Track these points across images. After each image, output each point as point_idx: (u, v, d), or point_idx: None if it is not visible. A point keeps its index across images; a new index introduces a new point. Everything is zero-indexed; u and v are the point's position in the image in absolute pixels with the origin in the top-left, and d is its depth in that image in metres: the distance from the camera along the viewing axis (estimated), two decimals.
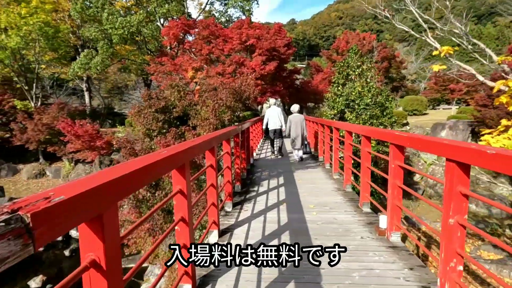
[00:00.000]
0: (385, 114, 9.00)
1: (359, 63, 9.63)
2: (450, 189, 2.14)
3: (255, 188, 6.53)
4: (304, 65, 35.19)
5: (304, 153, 9.16)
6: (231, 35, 15.20)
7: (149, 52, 21.01)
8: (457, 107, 27.40)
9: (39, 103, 21.53)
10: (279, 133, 9.51)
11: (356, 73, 9.59)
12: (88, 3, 16.96)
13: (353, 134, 7.69)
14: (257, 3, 20.48)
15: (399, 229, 3.52)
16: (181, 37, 16.28)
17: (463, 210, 2.11)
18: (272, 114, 9.01)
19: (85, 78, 26.10)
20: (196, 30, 16.09)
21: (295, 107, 8.83)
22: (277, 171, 8.31)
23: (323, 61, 34.62)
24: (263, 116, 20.92)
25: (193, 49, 15.82)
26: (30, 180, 21.38)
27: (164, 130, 5.55)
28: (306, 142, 9.21)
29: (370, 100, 8.58)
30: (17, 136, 19.03)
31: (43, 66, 22.01)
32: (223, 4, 20.72)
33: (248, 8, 18.31)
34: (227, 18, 20.83)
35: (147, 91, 5.99)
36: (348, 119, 9.16)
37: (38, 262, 10.58)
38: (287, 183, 6.91)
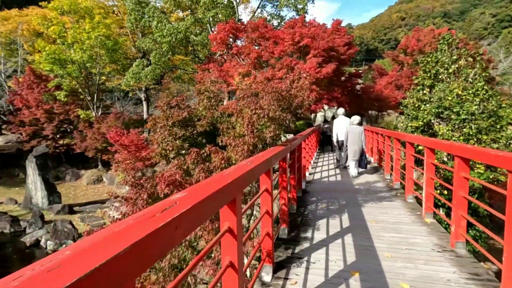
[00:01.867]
0: (498, 126, 6.23)
1: (454, 57, 6.99)
2: None
3: (308, 234, 4.58)
4: (362, 70, 31.84)
5: (361, 167, 8.64)
6: (282, 36, 13.57)
7: (198, 60, 20.61)
8: None
9: (99, 113, 22.74)
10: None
11: (450, 70, 6.98)
12: (141, 14, 17.14)
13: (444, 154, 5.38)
14: (313, 1, 18.59)
15: None
16: (229, 42, 15.24)
17: None
18: (341, 125, 9.11)
19: (143, 89, 27.10)
20: (245, 34, 14.86)
21: (355, 119, 8.47)
22: (338, 203, 6.21)
23: (386, 63, 30.77)
24: (318, 126, 18.72)
25: (241, 54, 14.59)
26: (89, 186, 22.55)
27: (183, 151, 4.09)
28: (364, 156, 8.60)
29: (476, 107, 5.95)
30: (77, 144, 20.15)
31: (103, 77, 23.27)
32: (275, 6, 19.35)
33: (302, 6, 16.56)
34: (279, 21, 19.38)
35: (166, 98, 4.67)
36: (439, 133, 6.60)
37: None
38: (354, 227, 4.80)
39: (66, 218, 14.21)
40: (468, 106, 5.99)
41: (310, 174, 9.44)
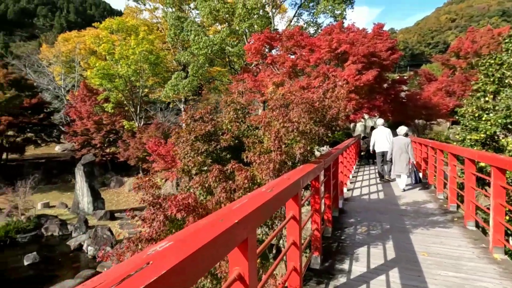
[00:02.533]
0: None
1: None
2: None
3: (344, 265, 3.97)
4: (406, 76, 29.59)
5: (410, 181, 8.20)
6: (318, 43, 13.02)
7: (234, 71, 20.83)
8: None
9: (141, 123, 24.01)
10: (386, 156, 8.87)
11: None
12: (180, 28, 17.85)
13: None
14: (352, 7, 17.80)
15: None
16: (264, 52, 15.09)
17: None
18: (380, 136, 8.88)
19: (183, 100, 28.14)
20: (280, 42, 14.59)
21: (401, 129, 8.12)
22: (380, 226, 5.45)
23: (435, 67, 28.29)
24: (358, 136, 17.59)
25: (276, 63, 14.31)
26: (130, 193, 23.71)
27: (205, 168, 3.80)
28: (414, 170, 8.18)
29: None
30: (121, 153, 21.38)
31: (146, 90, 24.60)
32: (311, 14, 18.90)
33: (340, 12, 15.87)
34: (316, 28, 18.85)
35: (189, 110, 4.46)
36: (507, 148, 5.53)
37: None
38: (401, 260, 4.06)
39: (107, 224, 14.91)
40: None
41: (348, 190, 8.66)
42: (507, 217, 5.48)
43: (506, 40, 6.61)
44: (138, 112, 24.02)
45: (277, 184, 2.38)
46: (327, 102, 3.78)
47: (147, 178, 3.69)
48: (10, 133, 24.43)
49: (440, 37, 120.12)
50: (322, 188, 5.31)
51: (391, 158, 8.28)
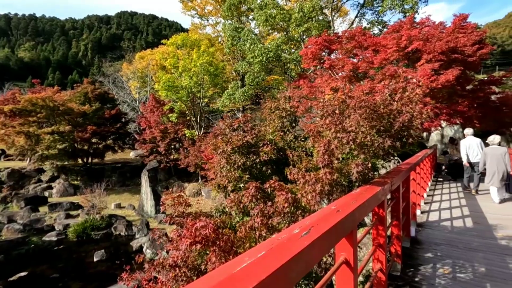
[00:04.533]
0: None
1: None
2: None
3: None
4: (497, 76, 24.73)
5: (506, 193, 7.67)
6: (384, 43, 11.56)
7: (290, 79, 20.26)
8: None
9: (201, 132, 25.09)
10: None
11: None
12: (237, 39, 18.13)
13: None
14: (426, 0, 15.63)
15: None
16: (321, 56, 14.17)
17: None
18: (472, 145, 8.72)
19: (241, 109, 28.70)
20: (339, 45, 13.51)
21: (495, 139, 7.87)
22: (472, 268, 4.15)
23: None
24: (434, 146, 15.17)
25: (334, 68, 13.26)
26: (189, 198, 24.85)
27: (242, 184, 3.26)
28: (510, 180, 7.65)
29: None
30: (181, 160, 22.55)
31: (206, 100, 25.70)
32: (375, 12, 17.23)
33: (410, 6, 13.98)
34: (381, 27, 17.10)
35: (227, 118, 3.99)
36: None
37: None
38: None
39: (165, 228, 15.60)
40: None
41: (422, 213, 7.19)
42: None
43: None
44: (198, 121, 25.20)
45: (319, 219, 1.68)
46: (396, 106, 2.88)
47: (177, 194, 3.33)
48: (94, 140, 28.09)
49: None
50: (389, 217, 4.29)
51: (484, 169, 7.86)
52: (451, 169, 12.37)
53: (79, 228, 15.77)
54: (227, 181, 3.36)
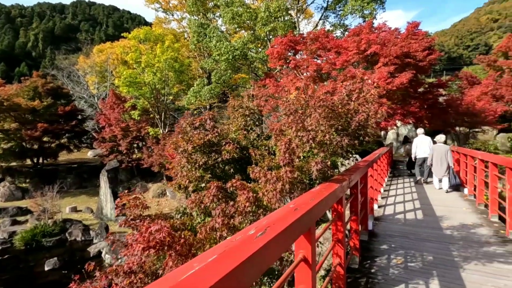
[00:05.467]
0: None
1: None
2: None
3: None
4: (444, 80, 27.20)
5: (450, 184, 8.88)
6: (345, 45, 12.09)
7: (257, 77, 20.36)
8: None
9: (166, 130, 24.24)
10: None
11: None
12: (203, 35, 17.76)
13: None
14: (383, 7, 16.61)
15: None
16: (287, 56, 14.41)
17: None
18: (423, 143, 9.92)
19: (208, 107, 28.20)
20: (304, 46, 13.84)
21: (440, 138, 9.06)
22: (421, 258, 4.46)
23: (479, 70, 25.77)
24: (389, 145, 16.22)
25: (299, 68, 13.56)
26: (154, 199, 23.89)
27: (203, 184, 3.17)
28: (454, 174, 8.89)
29: None
30: (144, 160, 21.61)
31: (171, 97, 24.89)
32: (338, 16, 17.96)
33: (369, 11, 14.79)
34: (343, 30, 17.85)
35: (188, 116, 3.88)
36: None
37: None
38: None
39: (127, 231, 14.85)
40: None
41: (379, 207, 7.62)
42: None
43: None
44: (163, 118, 24.31)
45: (277, 219, 1.67)
46: (353, 106, 2.99)
47: (133, 196, 3.15)
48: (45, 139, 25.81)
49: (480, 38, 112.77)
50: (348, 208, 4.46)
51: (431, 164, 9.10)
52: (410, 164, 13.30)
53: (27, 235, 14.39)
54: (187, 181, 3.24)
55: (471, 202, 7.65)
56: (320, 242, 5.25)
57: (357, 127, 2.99)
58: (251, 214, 2.70)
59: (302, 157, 3.08)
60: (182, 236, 2.33)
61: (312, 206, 2.10)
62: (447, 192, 8.77)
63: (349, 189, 4.20)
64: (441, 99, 16.08)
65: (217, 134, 3.48)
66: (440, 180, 8.95)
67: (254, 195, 2.68)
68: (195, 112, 33.33)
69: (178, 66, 21.41)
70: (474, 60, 25.20)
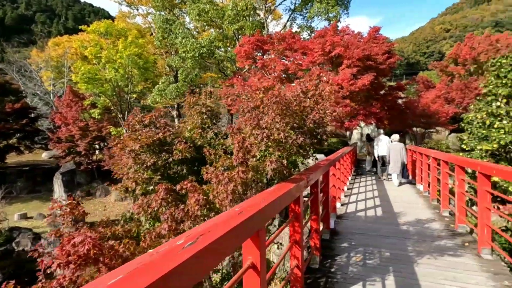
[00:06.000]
0: None
1: None
2: None
3: None
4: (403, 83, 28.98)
5: (402, 178, 10.06)
6: (311, 46, 12.29)
7: (225, 77, 20.08)
8: None
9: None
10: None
11: None
12: (168, 31, 17.11)
13: None
14: (347, 12, 17.22)
15: None
16: (255, 56, 14.35)
17: None
18: (383, 142, 10.74)
19: (175, 106, 27.29)
20: (272, 46, 13.86)
21: (395, 137, 9.95)
22: (379, 254, 4.54)
23: (433, 75, 27.77)
24: (354, 144, 16.80)
25: (267, 67, 13.55)
26: (116, 202, 22.54)
27: (151, 187, 2.92)
28: (405, 169, 10.19)
29: None
30: (106, 161, 20.34)
31: (134, 95, 23.75)
32: (305, 18, 18.30)
33: (333, 14, 15.23)
34: (310, 31, 18.23)
35: (137, 113, 3.59)
36: None
37: None
38: None
39: None
40: None
41: (342, 205, 7.75)
42: None
43: None
44: (126, 118, 23.11)
45: (216, 225, 1.49)
46: (309, 103, 2.92)
47: (68, 202, 2.80)
48: None
49: (435, 46, 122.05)
50: (309, 208, 4.40)
51: (389, 160, 10.03)
52: (373, 163, 13.87)
53: None
54: (134, 183, 2.96)
55: (425, 198, 8.06)
56: (281, 244, 5.16)
57: (313, 125, 2.91)
58: (201, 218, 2.51)
59: (259, 157, 2.94)
60: (115, 246, 2.07)
61: (261, 208, 1.96)
62: (399, 185, 9.72)
63: (310, 188, 4.17)
64: (400, 101, 17.01)
65: (169, 132, 3.22)
66: (396, 175, 9.85)
67: (205, 197, 2.49)
68: (163, 111, 32.17)
69: (143, 63, 20.45)
70: (429, 66, 27.05)
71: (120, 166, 3.39)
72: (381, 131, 11.23)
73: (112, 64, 19.82)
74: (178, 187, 2.57)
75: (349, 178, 11.50)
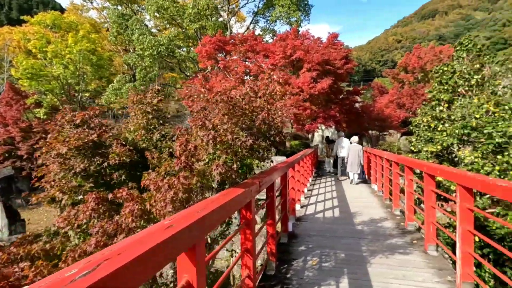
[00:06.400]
0: None
1: (477, 66, 5.56)
2: None
3: None
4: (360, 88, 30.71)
5: (360, 178, 10.64)
6: (273, 49, 12.36)
7: (186, 77, 19.46)
8: None
9: None
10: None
11: (473, 82, 5.53)
12: (124, 27, 16.10)
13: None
14: (308, 18, 17.69)
15: None
16: (217, 56, 14.06)
17: None
18: (343, 144, 11.24)
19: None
20: (234, 47, 13.70)
21: (354, 139, 10.40)
22: (335, 256, 4.54)
23: (386, 82, 29.79)
24: (316, 146, 17.25)
25: (229, 69, 13.34)
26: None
27: (80, 197, 2.55)
28: (362, 170, 10.62)
29: None
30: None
31: (87, 94, 22.04)
32: (267, 21, 18.45)
33: (295, 19, 15.55)
34: (272, 35, 18.43)
35: (69, 111, 3.18)
36: (464, 161, 5.04)
37: None
38: None
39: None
40: (504, 126, 4.50)
41: (302, 207, 7.78)
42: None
43: (457, 48, 6.42)
44: None
45: (128, 246, 1.24)
46: (259, 103, 2.76)
47: None
48: None
49: (388, 55, 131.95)
50: (264, 214, 4.24)
51: (347, 161, 10.48)
52: (335, 164, 14.29)
53: None
54: (61, 192, 2.55)
55: (379, 198, 8.41)
56: (235, 251, 4.96)
57: (264, 126, 2.76)
58: (138, 230, 2.21)
59: (207, 160, 2.71)
60: (24, 270, 1.70)
61: (199, 218, 1.73)
62: (356, 184, 10.30)
63: (266, 191, 4.02)
64: (357, 105, 17.85)
65: (108, 134, 2.84)
66: (353, 174, 10.42)
67: (141, 207, 2.19)
68: (119, 112, 30.30)
69: (96, 60, 19.01)
70: (383, 73, 28.93)
71: (43, 173, 2.93)
72: (342, 133, 11.71)
73: (61, 60, 18.14)
74: (110, 195, 2.24)
75: (310, 180, 11.69)
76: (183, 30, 18.12)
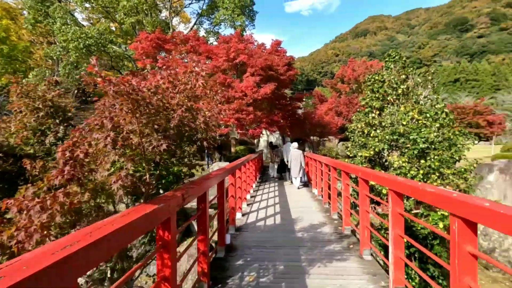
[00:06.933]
0: (457, 157, 5.16)
1: (403, 76, 5.97)
2: None
3: None
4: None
5: (302, 182, 10.86)
6: (216, 51, 11.95)
7: (121, 74, 17.79)
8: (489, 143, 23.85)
9: None
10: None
11: (399, 91, 5.91)
12: (44, 14, 13.95)
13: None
14: (253, 23, 17.77)
15: None
16: (155, 54, 13.05)
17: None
18: (288, 149, 11.40)
19: None
20: (174, 46, 12.89)
21: (295, 144, 10.80)
22: (273, 268, 4.25)
23: (326, 91, 31.76)
24: (260, 151, 17.24)
25: (168, 68, 12.45)
26: None
27: None
28: (304, 174, 10.91)
29: (436, 134, 4.77)
30: None
31: None
32: (212, 23, 18.00)
33: (239, 23, 15.43)
34: (216, 38, 18.04)
35: None
36: (393, 165, 5.28)
37: None
38: None
39: None
40: (426, 132, 4.85)
41: (243, 215, 7.42)
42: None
43: (386, 59, 6.92)
44: None
45: None
46: (178, 100, 2.30)
47: None
48: None
49: (328, 67, 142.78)
50: (199, 223, 3.74)
51: (290, 166, 10.84)
52: (279, 169, 14.33)
53: None
54: None
55: (319, 202, 8.53)
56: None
57: (187, 128, 2.32)
58: None
59: (113, 170, 2.14)
60: None
61: (74, 251, 1.20)
62: (299, 188, 10.50)
63: (198, 201, 3.54)
64: (300, 111, 18.45)
65: None
66: (296, 179, 10.65)
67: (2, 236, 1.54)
68: None
69: (8, 50, 16.12)
70: (324, 83, 30.79)
71: None
72: (288, 139, 12.14)
73: None
74: None
75: (254, 186, 11.47)
76: (121, 25, 16.55)
